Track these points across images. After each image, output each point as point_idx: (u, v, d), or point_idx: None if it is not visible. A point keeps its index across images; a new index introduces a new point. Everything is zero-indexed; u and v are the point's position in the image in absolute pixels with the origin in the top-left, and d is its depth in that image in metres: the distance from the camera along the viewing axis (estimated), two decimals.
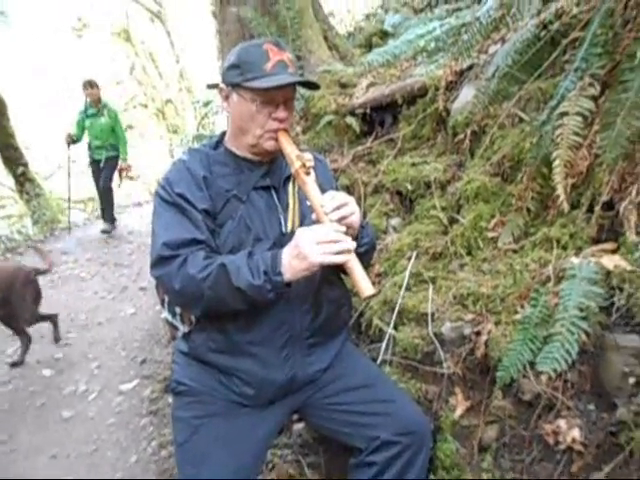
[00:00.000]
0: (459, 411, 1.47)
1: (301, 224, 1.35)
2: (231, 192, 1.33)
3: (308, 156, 1.29)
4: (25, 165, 8.01)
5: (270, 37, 1.34)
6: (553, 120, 1.52)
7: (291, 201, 1.37)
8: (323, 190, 1.28)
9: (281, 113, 1.30)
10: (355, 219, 1.27)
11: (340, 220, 1.21)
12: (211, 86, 1.50)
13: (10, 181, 9.27)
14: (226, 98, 1.36)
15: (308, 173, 1.27)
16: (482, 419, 1.40)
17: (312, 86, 1.41)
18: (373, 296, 1.17)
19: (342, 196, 1.26)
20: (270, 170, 1.40)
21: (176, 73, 14.57)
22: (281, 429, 1.70)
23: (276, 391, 1.37)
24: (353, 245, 1.16)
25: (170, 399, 2.83)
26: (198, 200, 1.29)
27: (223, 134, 1.45)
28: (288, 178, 1.39)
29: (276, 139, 1.32)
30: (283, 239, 1.32)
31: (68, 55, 14.31)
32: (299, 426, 1.86)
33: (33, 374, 3.22)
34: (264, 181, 1.38)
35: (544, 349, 1.19)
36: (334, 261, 1.15)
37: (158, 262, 1.26)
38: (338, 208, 1.21)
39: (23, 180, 7.81)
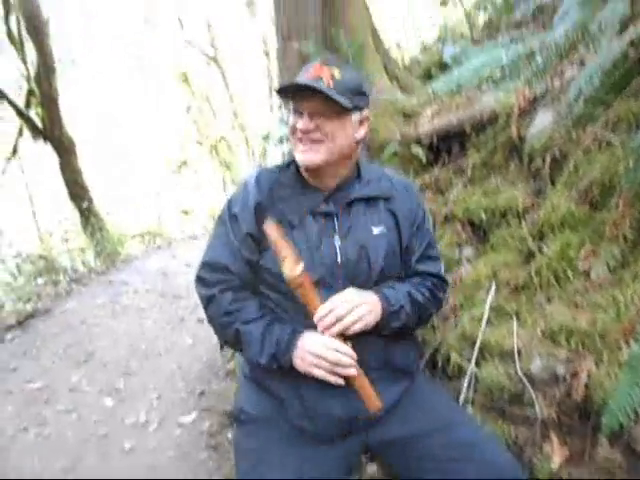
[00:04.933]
0: (557, 460, 1.33)
1: (359, 253, 1.29)
2: (285, 216, 1.30)
3: (297, 270, 1.19)
4: (90, 201, 8.45)
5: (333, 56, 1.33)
6: None
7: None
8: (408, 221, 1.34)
9: (301, 124, 1.24)
10: (360, 326, 1.21)
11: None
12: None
13: (75, 215, 9.82)
14: None
15: (298, 285, 1.19)
16: (587, 470, 1.26)
17: (337, 103, 1.23)
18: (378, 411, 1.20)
19: (334, 312, 1.19)
20: (333, 195, 1.33)
21: (230, 111, 15.14)
22: (350, 469, 1.59)
23: (336, 425, 1.29)
24: (354, 373, 1.18)
25: (229, 434, 2.78)
26: (245, 223, 1.31)
27: None
28: (356, 202, 1.33)
29: (303, 152, 1.27)
30: (336, 269, 1.27)
31: (129, 96, 15.21)
32: (373, 467, 1.75)
33: (95, 403, 3.25)
34: (325, 206, 1.32)
35: None
36: (329, 380, 1.19)
37: (197, 280, 1.38)
38: (332, 324, 1.18)
39: (88, 214, 8.21)
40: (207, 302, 1.34)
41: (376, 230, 1.33)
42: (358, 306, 1.21)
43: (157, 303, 5.16)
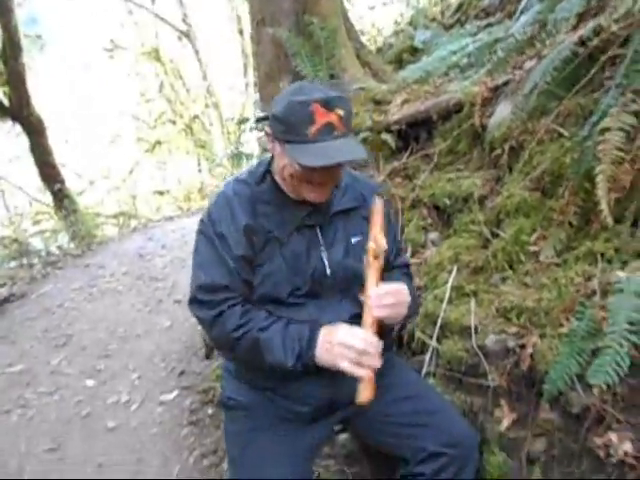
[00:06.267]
0: (505, 423, 1.49)
1: (344, 263, 1.36)
2: (272, 233, 1.32)
3: (384, 245, 1.27)
4: (62, 182, 8.33)
5: (321, 89, 1.22)
6: (595, 136, 1.55)
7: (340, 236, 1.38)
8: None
9: (317, 178, 1.26)
10: (400, 318, 1.30)
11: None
12: (260, 119, 1.56)
13: (47, 197, 9.64)
14: (271, 141, 1.31)
15: (376, 257, 1.26)
16: (530, 431, 1.42)
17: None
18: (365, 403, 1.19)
19: (392, 296, 1.26)
20: (316, 208, 1.36)
21: (203, 89, 14.89)
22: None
23: (322, 407, 1.40)
24: (379, 364, 1.19)
25: (210, 410, 2.90)
26: (236, 245, 1.30)
27: (269, 163, 1.40)
28: (336, 214, 1.39)
29: (313, 193, 1.29)
30: (325, 280, 1.34)
31: (100, 74, 14.84)
32: (343, 436, 1.90)
33: (77, 384, 3.32)
34: (308, 220, 1.36)
35: (595, 362, 1.21)
36: (355, 373, 1.18)
37: (194, 302, 1.35)
38: (385, 306, 1.23)
39: (61, 196, 8.10)
40: (212, 321, 1.31)
41: (354, 239, 1.40)
42: (405, 298, 1.30)
43: (134, 286, 5.19)
